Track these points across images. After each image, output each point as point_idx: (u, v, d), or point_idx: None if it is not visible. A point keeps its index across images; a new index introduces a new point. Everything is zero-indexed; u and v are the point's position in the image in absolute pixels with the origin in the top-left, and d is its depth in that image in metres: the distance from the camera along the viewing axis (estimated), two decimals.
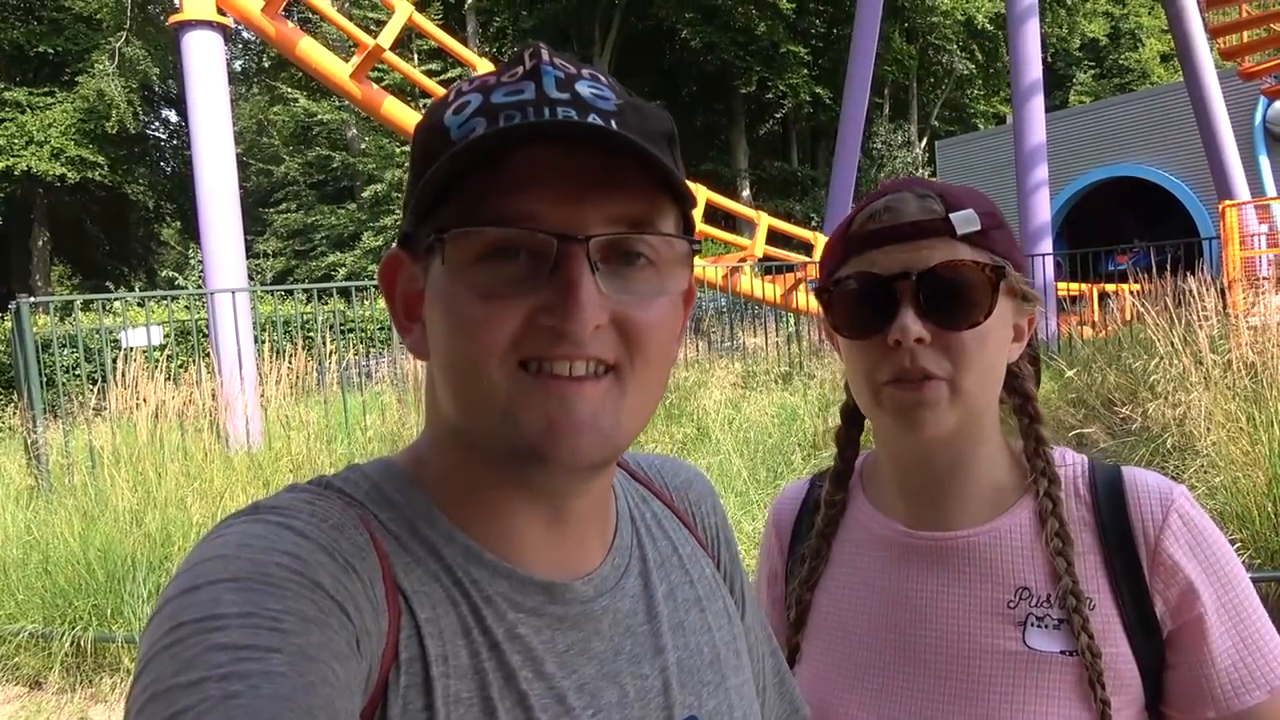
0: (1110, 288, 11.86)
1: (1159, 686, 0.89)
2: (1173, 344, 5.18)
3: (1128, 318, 8.14)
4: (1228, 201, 11.14)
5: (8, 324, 8.07)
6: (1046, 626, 0.88)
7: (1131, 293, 8.94)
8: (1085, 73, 37.08)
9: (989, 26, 30.90)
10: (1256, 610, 0.90)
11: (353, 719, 0.49)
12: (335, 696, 0.47)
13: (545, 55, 0.61)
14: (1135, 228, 20.43)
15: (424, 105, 11.69)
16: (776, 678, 0.86)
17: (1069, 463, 0.96)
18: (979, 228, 0.88)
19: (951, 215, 0.87)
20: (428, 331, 0.63)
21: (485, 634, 0.60)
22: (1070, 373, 6.56)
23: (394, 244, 0.66)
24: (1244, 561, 3.78)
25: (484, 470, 0.63)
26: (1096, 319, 10.12)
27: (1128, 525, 0.90)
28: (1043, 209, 11.97)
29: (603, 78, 0.62)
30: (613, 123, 0.58)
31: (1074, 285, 12.95)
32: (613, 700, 0.63)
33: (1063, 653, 0.87)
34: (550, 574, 0.64)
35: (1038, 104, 12.24)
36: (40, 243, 24.79)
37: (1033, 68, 12.33)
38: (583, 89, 0.60)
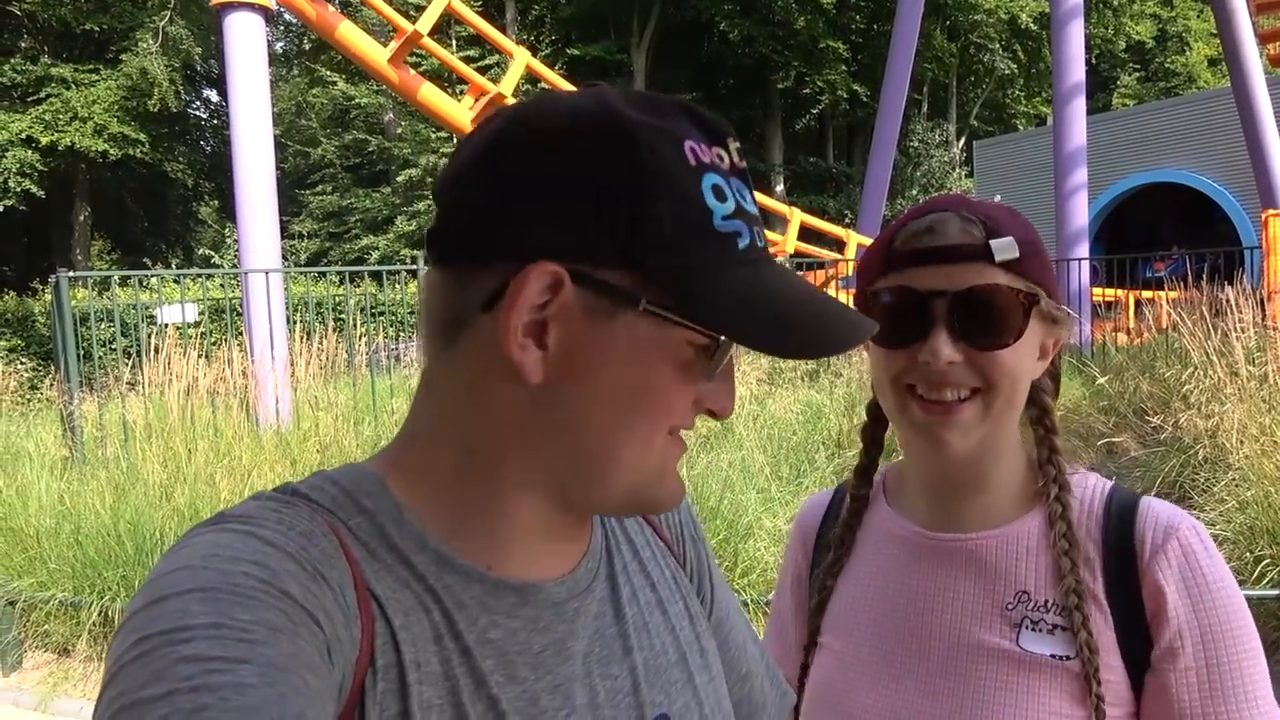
0: (1147, 295, 11.67)
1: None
2: (1208, 354, 5.09)
3: (1163, 326, 8.01)
4: (1271, 211, 10.91)
5: (48, 297, 8.23)
6: (1040, 630, 0.92)
7: (1168, 301, 8.80)
8: (1130, 75, 36.42)
9: (1033, 26, 30.44)
10: (1244, 670, 0.89)
11: None
12: (307, 707, 0.47)
13: (739, 151, 0.63)
14: (1175, 235, 20.08)
15: (460, 91, 11.74)
16: (763, 662, 0.89)
17: (1090, 484, 0.99)
18: (1016, 255, 0.91)
19: (991, 242, 0.91)
20: (573, 373, 0.59)
21: (456, 639, 0.60)
22: (1102, 380, 6.47)
23: (538, 260, 0.58)
24: (1273, 579, 3.73)
25: (527, 500, 0.64)
26: (1131, 326, 9.95)
27: (1130, 544, 0.93)
28: (1080, 213, 11.80)
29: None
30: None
31: (1110, 291, 12.76)
32: (584, 701, 0.64)
33: (1053, 656, 0.90)
34: (523, 577, 0.64)
35: (1079, 106, 12.05)
36: (81, 218, 25.20)
37: (1076, 69, 12.14)
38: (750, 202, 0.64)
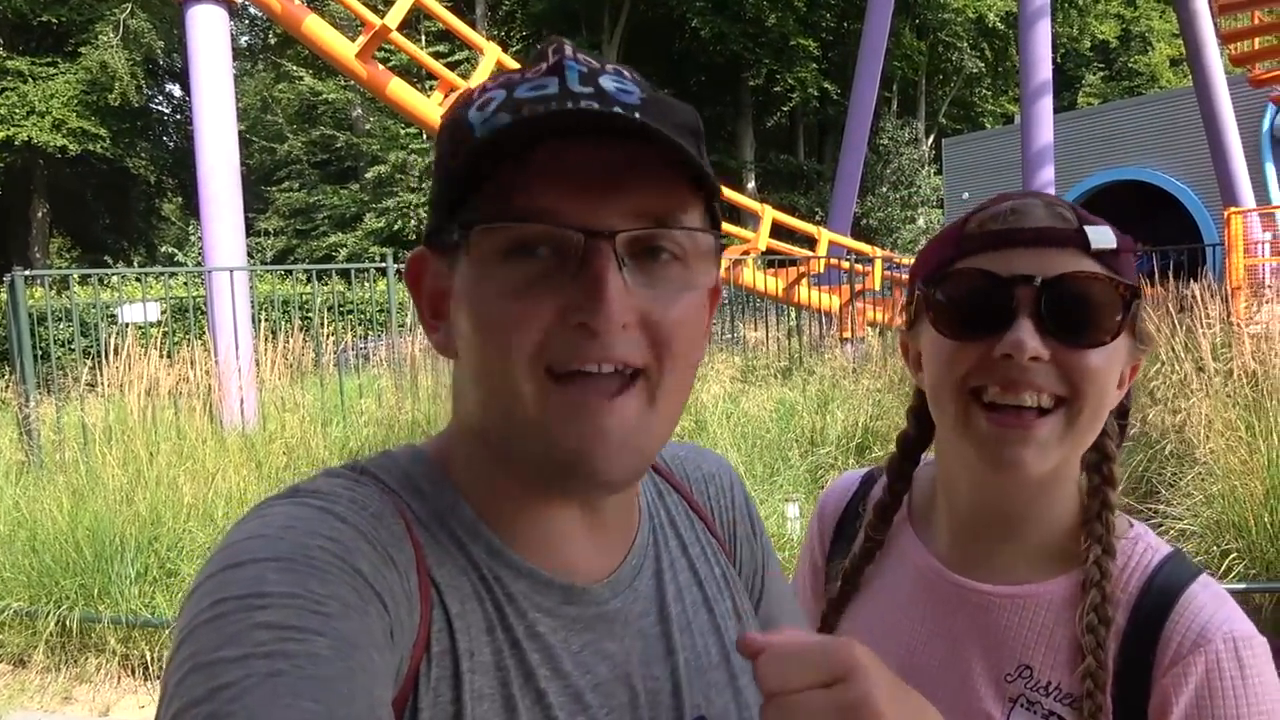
0: None
1: None
2: (1174, 350, 5.15)
3: None
4: (1233, 208, 11.09)
5: (2, 296, 8.02)
6: (1035, 713, 0.83)
7: None
8: (1094, 74, 36.91)
9: (1000, 25, 30.78)
10: None
11: (387, 709, 0.48)
12: (374, 685, 0.47)
13: (568, 50, 0.60)
14: (1138, 232, 20.24)
15: (429, 87, 11.62)
16: None
17: (1139, 549, 0.86)
18: (1114, 246, 0.80)
19: (1087, 228, 0.80)
20: (455, 331, 0.62)
21: (507, 631, 0.60)
22: None
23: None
24: (1239, 573, 3.77)
25: (509, 473, 0.63)
26: None
27: (1156, 637, 0.80)
28: None
29: (626, 72, 0.61)
30: (637, 115, 0.56)
31: None
32: (625, 701, 0.64)
33: None
34: (570, 575, 0.64)
35: (1046, 104, 12.19)
36: (40, 214, 24.68)
37: (1043, 68, 12.26)
38: (607, 83, 0.58)
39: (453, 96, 9.78)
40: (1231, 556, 3.80)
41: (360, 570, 0.52)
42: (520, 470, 0.61)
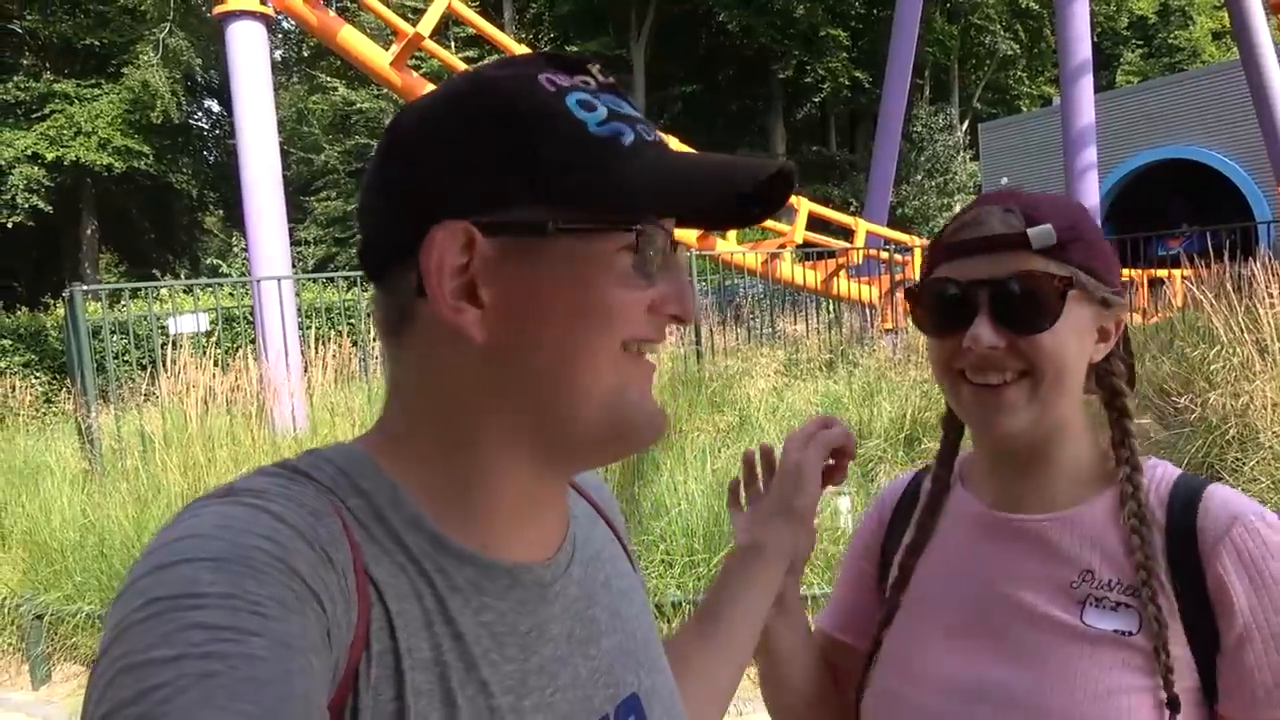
0: (1161, 273, 11.57)
1: (1213, 688, 0.93)
2: (1233, 330, 5.02)
3: (1180, 304, 7.92)
4: None
5: (59, 311, 8.23)
6: (1104, 607, 0.94)
7: (1184, 278, 8.71)
8: (1133, 52, 36.18)
9: (1034, 5, 30.25)
10: None
11: (322, 714, 0.48)
12: (310, 688, 0.47)
13: (603, 71, 0.66)
14: (1185, 212, 19.93)
15: None
16: None
17: (1158, 470, 1.01)
18: (1054, 242, 0.94)
19: (1029, 230, 0.95)
20: (519, 315, 0.61)
21: (448, 624, 0.60)
22: None
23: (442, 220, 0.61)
24: None
25: (510, 457, 0.64)
26: (1147, 306, 9.87)
27: (1193, 530, 0.94)
28: (1091, 192, 11.71)
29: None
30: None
31: (1124, 271, 12.65)
32: (568, 680, 0.66)
33: (1116, 632, 0.93)
34: (513, 558, 0.66)
35: (1087, 84, 11.95)
36: (88, 231, 25.28)
37: (1082, 46, 12.03)
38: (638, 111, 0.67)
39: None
40: None
41: (297, 570, 0.51)
42: (560, 445, 0.65)
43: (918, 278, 1.07)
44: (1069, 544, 0.99)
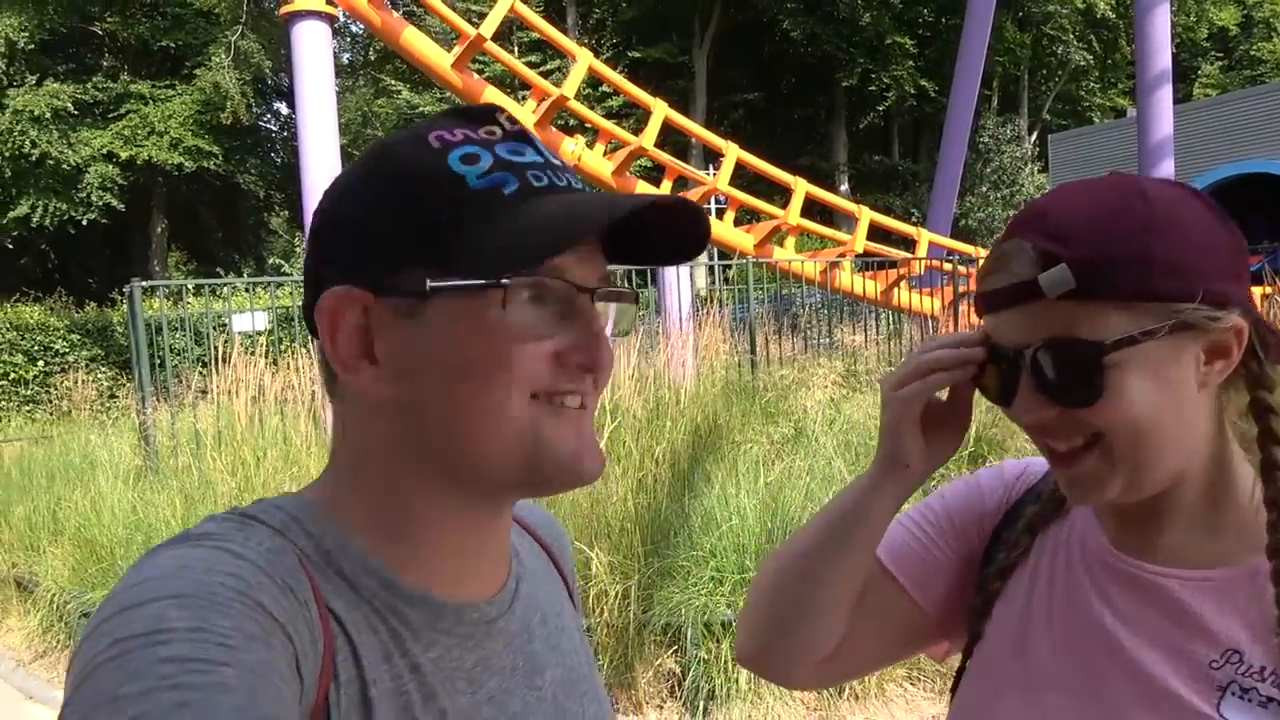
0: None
1: None
2: None
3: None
4: None
5: (125, 307, 8.38)
6: (1251, 701, 0.76)
7: (1264, 296, 8.27)
8: (1211, 65, 35.02)
9: (1110, 15, 29.43)
10: None
11: None
12: (282, 714, 0.48)
13: (511, 119, 0.67)
14: (1263, 227, 19.14)
15: (523, 96, 11.70)
16: None
17: None
18: (1071, 286, 0.73)
19: (1040, 278, 0.75)
20: (417, 373, 0.63)
21: (405, 656, 0.63)
22: None
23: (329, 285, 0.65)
24: None
25: (452, 504, 0.66)
26: None
27: None
28: None
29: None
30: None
31: None
32: (518, 709, 0.69)
33: None
34: (459, 597, 0.68)
35: (1165, 94, 11.54)
36: (159, 229, 25.98)
37: (1161, 56, 11.62)
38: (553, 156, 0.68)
39: (545, 104, 9.88)
40: None
41: (261, 603, 0.53)
42: (477, 495, 0.66)
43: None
44: (1214, 614, 0.79)
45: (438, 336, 0.62)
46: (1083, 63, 31.08)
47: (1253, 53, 35.02)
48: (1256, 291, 8.47)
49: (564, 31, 23.06)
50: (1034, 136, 30.22)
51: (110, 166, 22.52)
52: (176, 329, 8.98)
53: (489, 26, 9.52)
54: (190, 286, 8.17)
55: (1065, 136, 24.99)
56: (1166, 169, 11.40)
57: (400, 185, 0.63)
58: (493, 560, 0.73)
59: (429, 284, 0.61)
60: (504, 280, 0.61)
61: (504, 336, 0.62)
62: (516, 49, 24.16)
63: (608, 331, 0.67)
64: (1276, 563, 0.77)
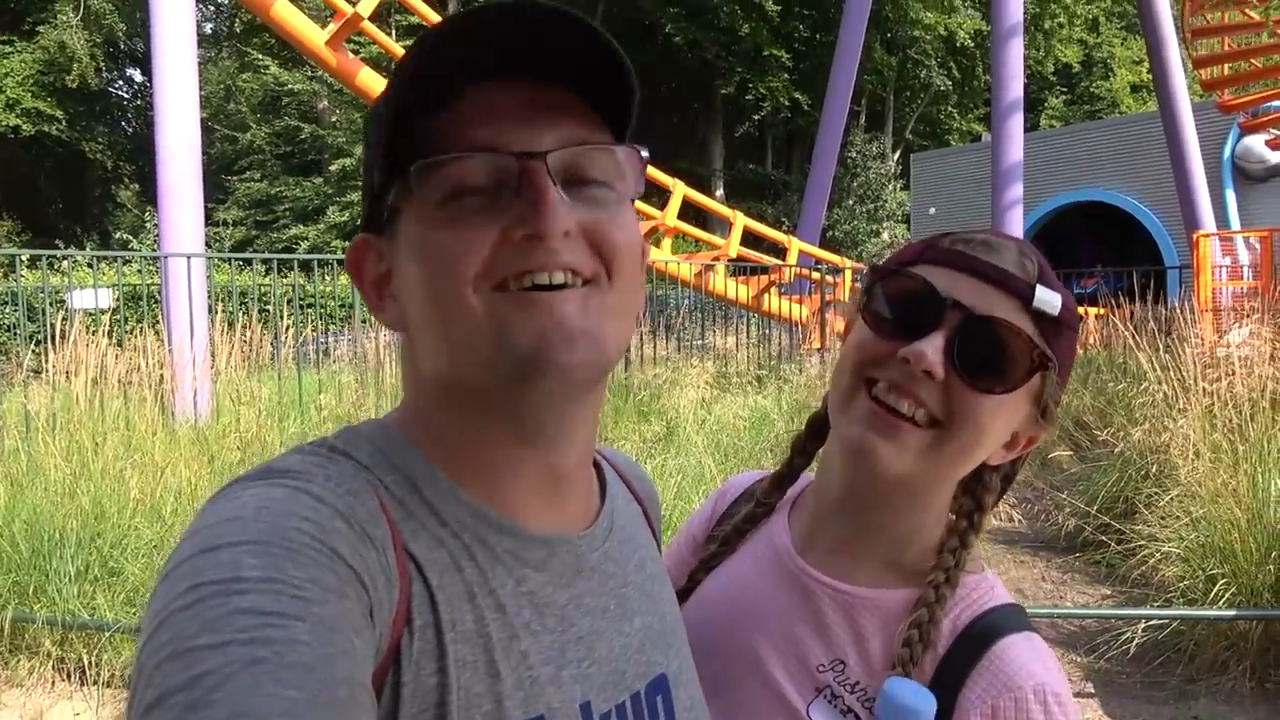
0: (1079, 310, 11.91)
1: None
2: (1157, 369, 5.11)
3: (1103, 340, 8.15)
4: (1201, 232, 11.25)
5: None
6: (835, 706, 0.85)
7: (1097, 316, 8.96)
8: (1057, 98, 37.56)
9: (969, 44, 31.14)
10: None
11: (368, 691, 0.49)
12: (354, 669, 0.48)
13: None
14: (1098, 253, 20.69)
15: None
16: None
17: (976, 596, 0.87)
18: (1055, 314, 0.83)
19: (1039, 285, 0.84)
20: (402, 290, 0.64)
21: (490, 595, 0.61)
22: None
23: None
24: (1226, 600, 3.70)
25: (480, 424, 0.64)
26: None
27: (966, 672, 0.82)
28: (1016, 226, 12.03)
29: None
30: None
31: None
32: (604, 654, 0.66)
33: None
34: (547, 530, 0.66)
35: (1017, 122, 12.30)
36: None
37: (1014, 86, 12.38)
38: None
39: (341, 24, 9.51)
40: (1221, 583, 3.73)
41: (338, 551, 0.52)
42: (485, 401, 0.62)
43: (846, 297, 0.93)
44: (839, 624, 0.88)
45: (404, 252, 0.63)
46: (943, 88, 32.77)
47: (1092, 89, 37.78)
48: (1091, 312, 9.18)
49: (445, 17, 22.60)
50: (897, 155, 31.67)
51: None
52: (6, 303, 8.26)
53: (367, 6, 9.21)
54: (24, 258, 7.53)
55: (926, 156, 26.28)
56: (1016, 192, 12.17)
57: (370, 132, 0.66)
58: (579, 495, 0.71)
59: (387, 206, 0.63)
60: (407, 172, 0.60)
61: (454, 225, 0.60)
62: (394, 33, 23.47)
63: (564, 198, 0.60)
64: (924, 592, 0.84)
